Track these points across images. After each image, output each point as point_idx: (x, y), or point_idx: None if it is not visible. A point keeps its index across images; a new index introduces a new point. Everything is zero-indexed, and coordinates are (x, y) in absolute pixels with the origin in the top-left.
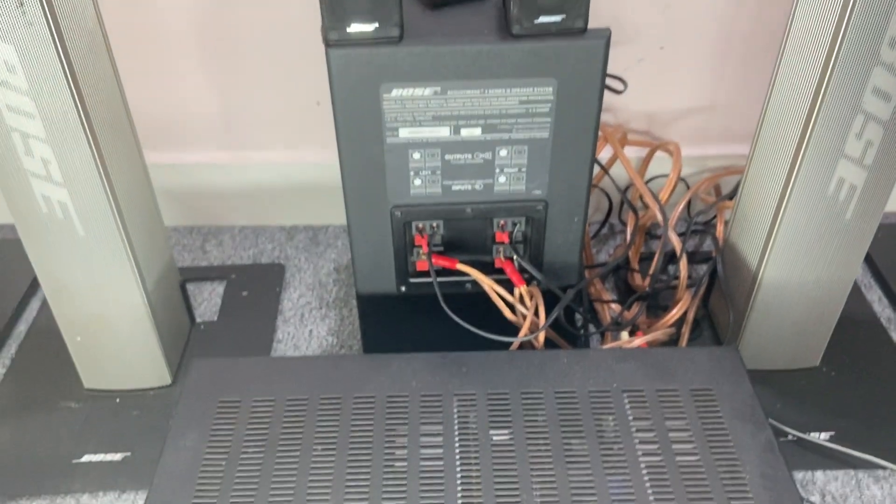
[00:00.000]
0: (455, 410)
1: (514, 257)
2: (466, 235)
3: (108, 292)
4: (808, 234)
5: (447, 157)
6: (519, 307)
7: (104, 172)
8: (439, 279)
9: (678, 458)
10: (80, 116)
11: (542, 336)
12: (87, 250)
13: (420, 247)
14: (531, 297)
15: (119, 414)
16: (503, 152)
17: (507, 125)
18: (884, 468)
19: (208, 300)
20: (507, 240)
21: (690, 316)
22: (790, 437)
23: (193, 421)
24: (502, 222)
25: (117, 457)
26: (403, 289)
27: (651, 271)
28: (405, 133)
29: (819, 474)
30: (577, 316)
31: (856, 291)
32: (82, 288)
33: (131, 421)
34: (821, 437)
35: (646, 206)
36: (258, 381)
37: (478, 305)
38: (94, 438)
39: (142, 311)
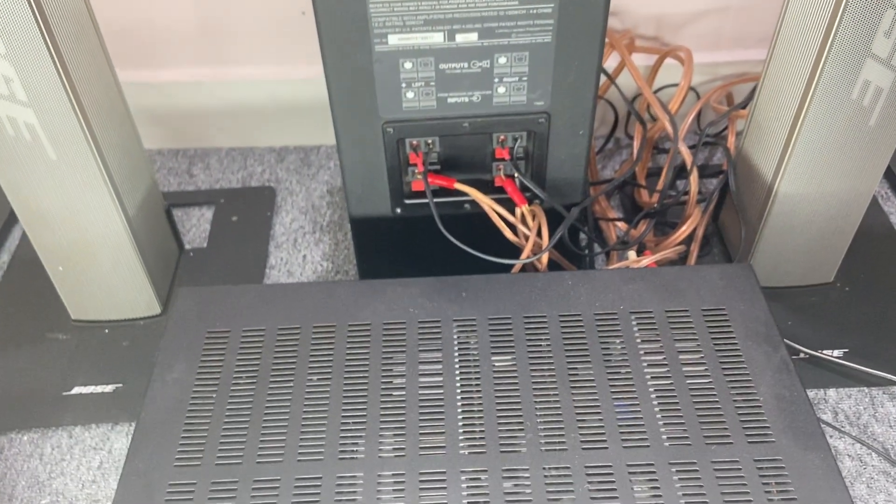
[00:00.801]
0: (455, 336)
1: (516, 175)
2: (464, 153)
3: (87, 219)
4: (829, 143)
5: (441, 66)
6: (521, 228)
7: (71, 90)
8: (436, 200)
9: (689, 382)
10: (41, 29)
11: (545, 258)
12: (61, 175)
13: (415, 166)
14: (533, 217)
15: (108, 345)
16: (502, 60)
17: (505, 29)
18: None
19: (197, 226)
20: (507, 156)
21: (700, 233)
22: (802, 355)
23: (180, 353)
24: (502, 137)
25: (108, 388)
26: (399, 211)
27: (660, 185)
28: (395, 40)
29: (832, 392)
30: (582, 236)
31: (873, 203)
32: (59, 215)
33: (121, 352)
34: (834, 355)
35: (653, 118)
36: (248, 311)
37: (477, 228)
38: (83, 370)
39: (124, 238)
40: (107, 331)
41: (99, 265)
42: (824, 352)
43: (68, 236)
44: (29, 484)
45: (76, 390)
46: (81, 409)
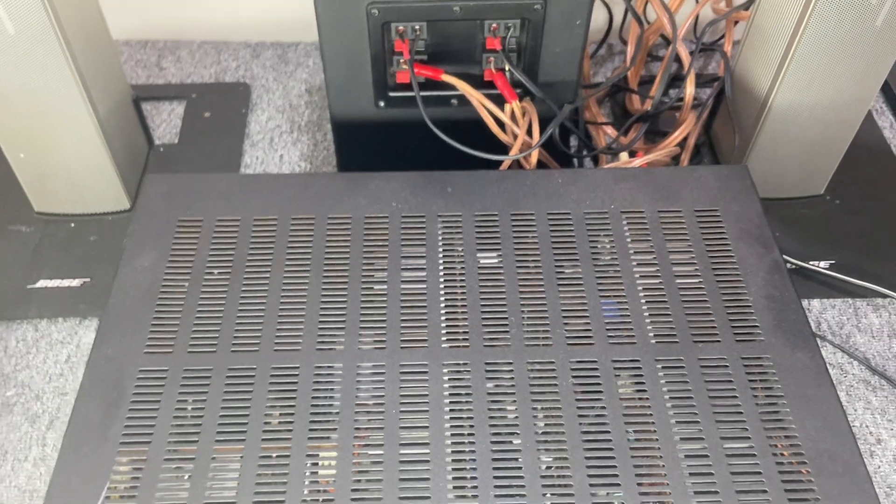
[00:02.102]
0: (439, 232)
1: (507, 68)
2: (453, 42)
3: (48, 101)
4: (833, 44)
5: None
6: (510, 125)
7: None
8: (422, 93)
9: (678, 281)
10: None
11: (534, 156)
12: (20, 51)
13: (401, 54)
14: (524, 114)
15: (75, 239)
16: None
17: None
18: (884, 296)
19: (167, 121)
20: (499, 47)
21: (692, 141)
22: (789, 266)
23: (150, 240)
24: (494, 26)
25: (75, 282)
26: (382, 104)
27: (655, 87)
28: None
29: (816, 303)
30: (573, 142)
31: (867, 118)
32: (18, 95)
33: (89, 246)
34: (820, 266)
35: (648, 22)
36: (221, 200)
37: (464, 127)
38: (48, 264)
39: (88, 124)
40: (73, 225)
41: (62, 153)
42: (811, 263)
43: (29, 120)
44: None
45: (41, 283)
46: (47, 302)
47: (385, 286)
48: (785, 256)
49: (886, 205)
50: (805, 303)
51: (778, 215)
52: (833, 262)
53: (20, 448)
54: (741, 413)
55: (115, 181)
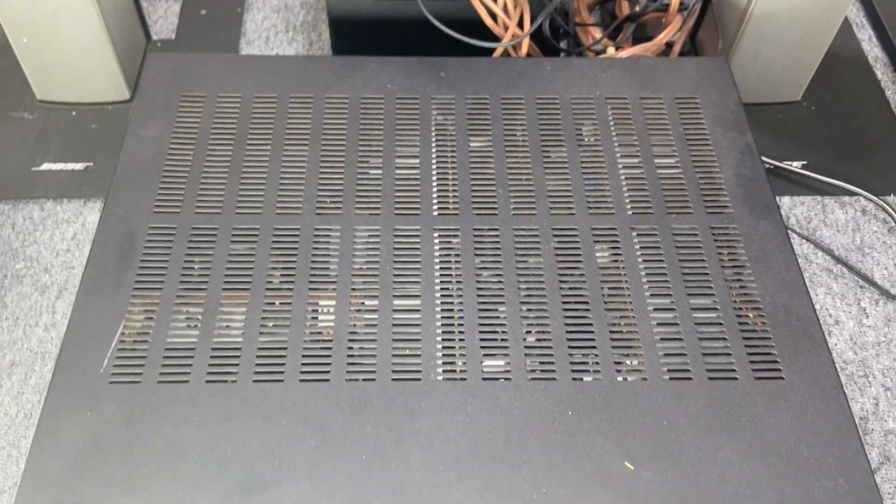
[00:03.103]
0: (432, 114)
1: None
2: None
3: None
4: None
5: None
6: (502, 17)
7: None
8: None
9: (657, 161)
10: None
11: (524, 47)
12: None
13: None
14: (516, 6)
15: (76, 126)
16: None
17: None
18: (851, 194)
19: (164, 18)
20: None
21: (677, 48)
22: (765, 166)
23: (155, 112)
24: None
25: (79, 166)
26: None
27: None
28: None
29: (786, 199)
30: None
31: (846, 29)
32: None
33: (90, 134)
34: (794, 165)
35: None
36: (224, 77)
37: (456, 25)
38: (52, 149)
39: (90, 10)
40: (74, 113)
41: (64, 39)
42: (785, 163)
43: (33, 2)
44: (2, 251)
45: (45, 166)
46: (52, 184)
47: (380, 160)
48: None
49: (859, 112)
50: (776, 200)
51: (756, 119)
52: (805, 162)
53: (31, 315)
54: (707, 275)
55: (116, 70)
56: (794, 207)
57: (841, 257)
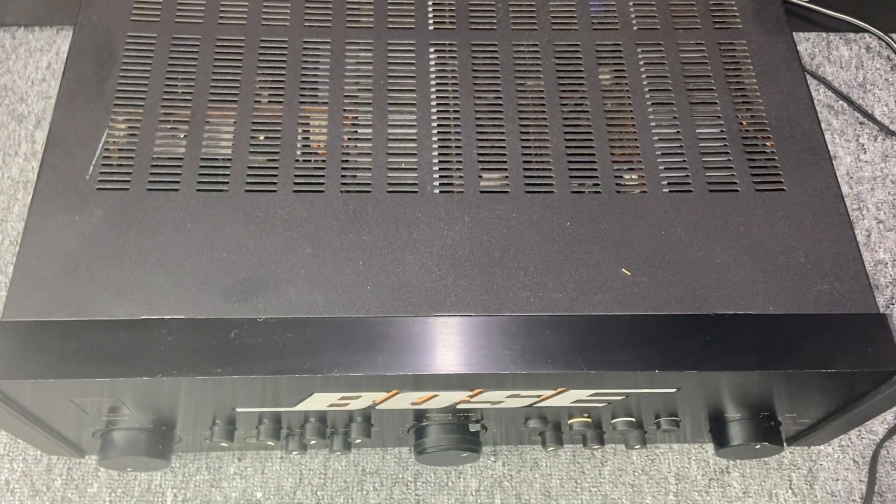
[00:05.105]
0: None
1: None
2: None
3: None
4: None
5: None
6: None
7: None
8: None
9: None
10: None
11: None
12: None
13: None
14: None
15: None
16: None
17: None
18: (857, 30)
19: None
20: None
21: None
22: None
23: None
24: None
25: None
26: None
27: None
28: None
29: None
30: None
31: None
32: None
33: None
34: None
35: None
36: None
37: None
38: None
39: None
40: None
41: None
42: None
43: None
44: None
45: None
46: (22, 10)
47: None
48: None
49: None
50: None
51: None
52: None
53: (10, 144)
54: (713, 90)
55: None
56: (798, 44)
57: (842, 92)
